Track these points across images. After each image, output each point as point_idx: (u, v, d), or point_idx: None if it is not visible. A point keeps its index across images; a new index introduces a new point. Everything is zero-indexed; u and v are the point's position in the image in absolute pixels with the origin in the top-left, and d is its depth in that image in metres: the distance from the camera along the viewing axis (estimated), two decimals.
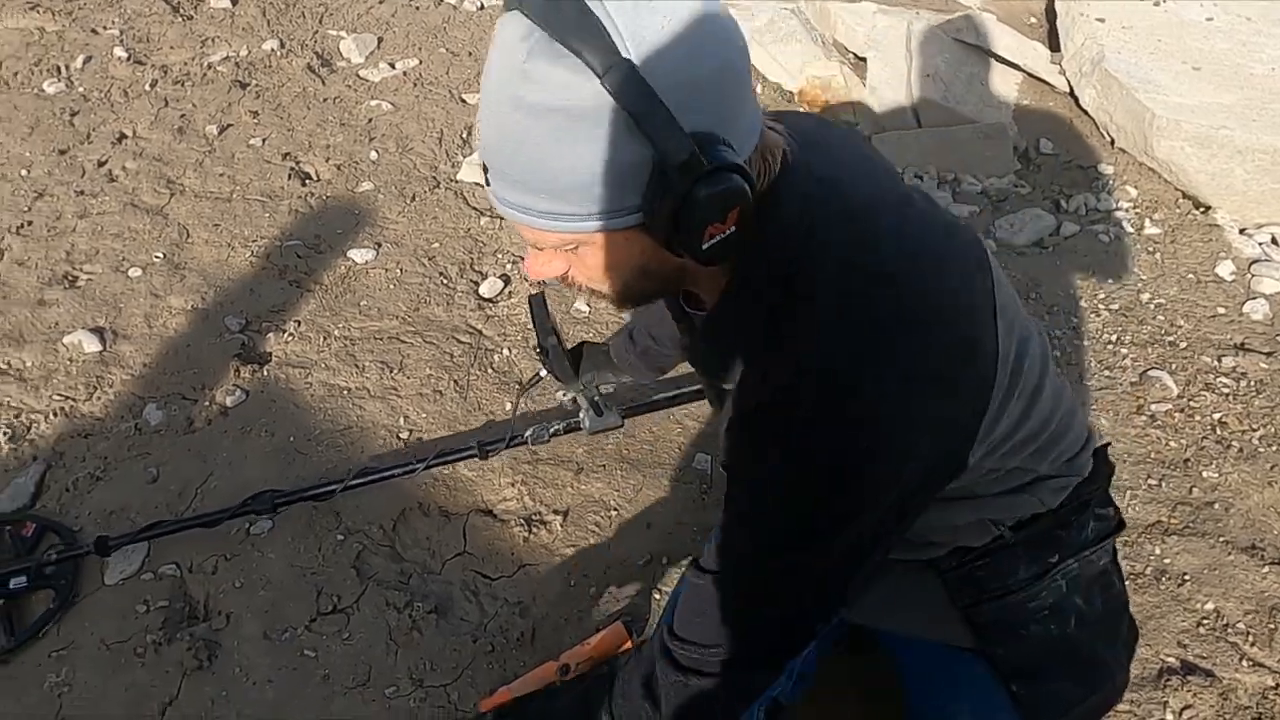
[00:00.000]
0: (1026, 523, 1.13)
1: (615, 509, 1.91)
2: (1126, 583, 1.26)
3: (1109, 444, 1.28)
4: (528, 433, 1.82)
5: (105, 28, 3.69)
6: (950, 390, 0.88)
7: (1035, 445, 1.05)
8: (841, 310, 0.85)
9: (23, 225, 2.65)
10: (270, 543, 1.83)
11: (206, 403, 2.14)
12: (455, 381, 2.18)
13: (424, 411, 2.11)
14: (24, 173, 2.87)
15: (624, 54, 0.72)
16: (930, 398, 0.87)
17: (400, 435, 2.06)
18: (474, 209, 2.72)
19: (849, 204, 0.89)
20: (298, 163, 2.92)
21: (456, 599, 1.75)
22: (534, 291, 1.79)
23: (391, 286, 2.45)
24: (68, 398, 2.14)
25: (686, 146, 0.75)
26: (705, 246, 0.80)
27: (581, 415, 1.79)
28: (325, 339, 2.30)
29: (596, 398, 1.79)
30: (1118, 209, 2.74)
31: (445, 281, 2.47)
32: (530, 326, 1.71)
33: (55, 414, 2.11)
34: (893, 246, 0.88)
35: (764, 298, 0.89)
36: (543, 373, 1.87)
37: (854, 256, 0.87)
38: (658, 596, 1.74)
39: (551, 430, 1.82)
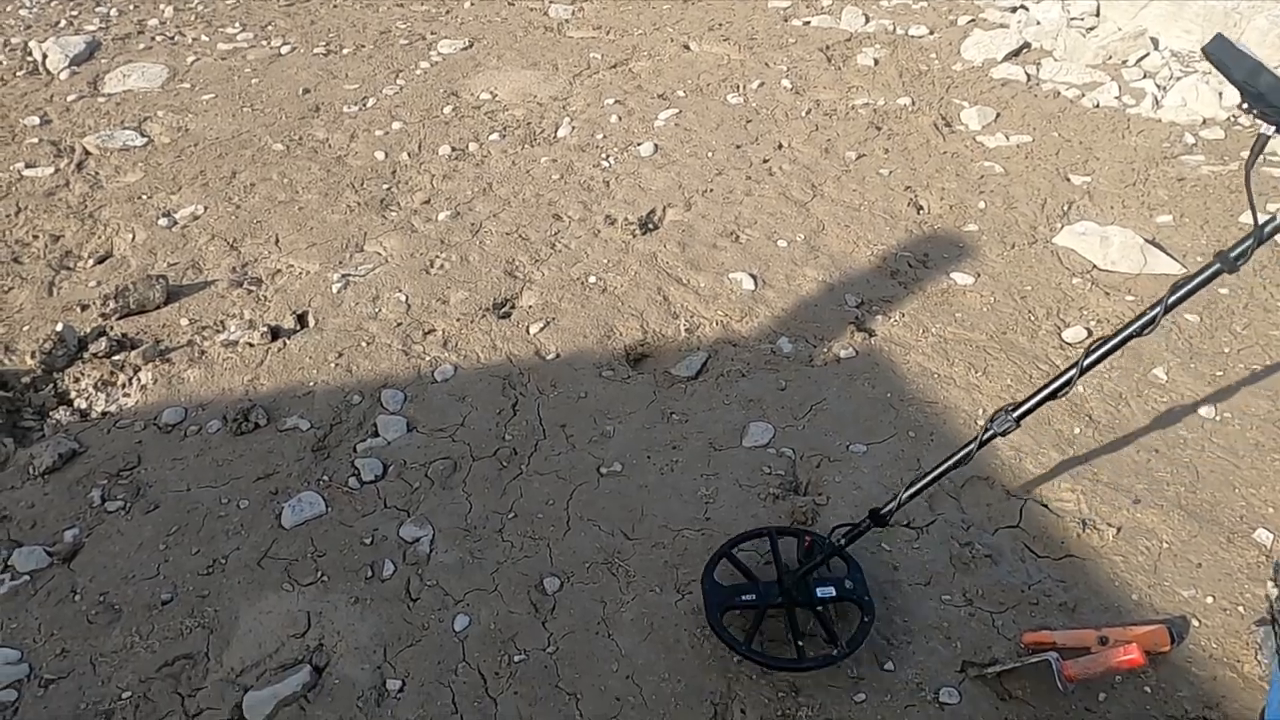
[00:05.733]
0: None
1: (1167, 544, 2.09)
2: None
3: None
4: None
5: (775, 64, 4.60)
6: None
7: None
8: None
9: (706, 190, 3.50)
10: (866, 459, 2.31)
11: (825, 349, 2.70)
12: None
13: None
14: (710, 154, 3.75)
15: None
16: None
17: (977, 422, 2.43)
18: (1066, 269, 3.03)
19: None
20: (915, 195, 3.46)
21: (1007, 556, 2.08)
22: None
23: (984, 309, 2.85)
24: (727, 315, 2.84)
25: None
26: None
27: None
28: (923, 332, 2.76)
29: None
30: None
31: (1032, 319, 2.80)
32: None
33: (716, 324, 2.81)
34: None
35: None
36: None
37: None
38: (1196, 623, 1.91)
39: None
